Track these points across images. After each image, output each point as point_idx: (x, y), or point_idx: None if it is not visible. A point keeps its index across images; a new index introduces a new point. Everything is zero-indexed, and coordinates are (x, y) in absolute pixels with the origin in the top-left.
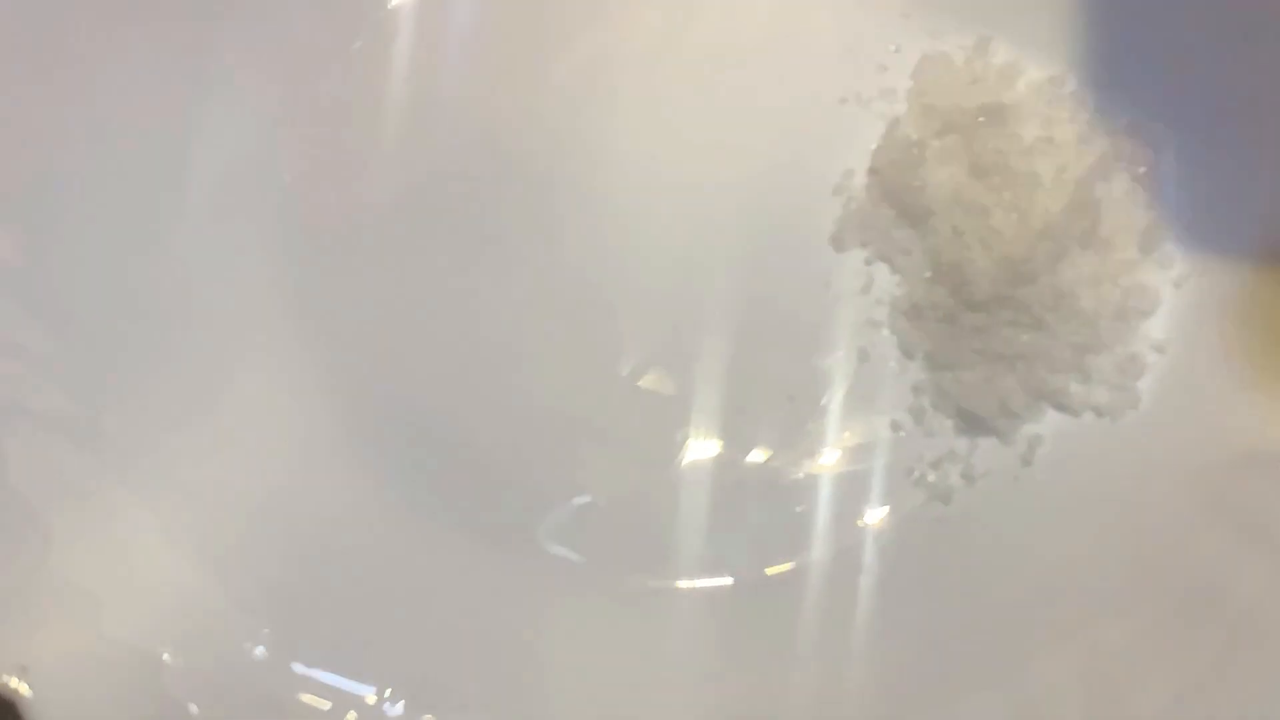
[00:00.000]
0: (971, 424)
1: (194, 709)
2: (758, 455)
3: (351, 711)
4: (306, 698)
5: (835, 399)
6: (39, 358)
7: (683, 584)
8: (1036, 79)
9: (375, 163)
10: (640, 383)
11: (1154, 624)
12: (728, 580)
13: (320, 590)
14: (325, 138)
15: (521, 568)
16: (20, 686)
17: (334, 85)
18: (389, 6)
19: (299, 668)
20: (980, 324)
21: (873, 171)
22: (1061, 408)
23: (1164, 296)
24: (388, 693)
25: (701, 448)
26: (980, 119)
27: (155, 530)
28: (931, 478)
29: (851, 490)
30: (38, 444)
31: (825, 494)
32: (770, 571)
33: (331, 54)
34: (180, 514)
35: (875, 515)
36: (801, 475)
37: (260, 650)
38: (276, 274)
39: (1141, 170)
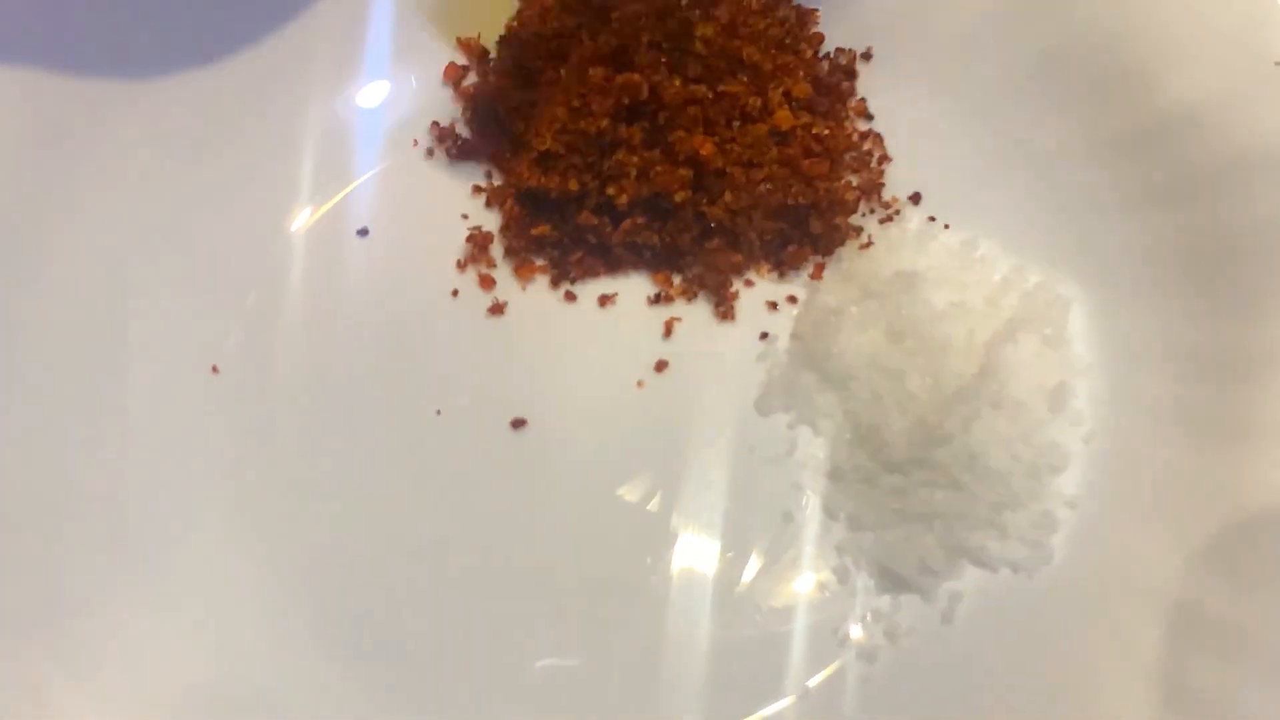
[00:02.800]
0: (894, 582)
1: None
2: (690, 620)
3: None
4: None
5: (761, 561)
6: None
7: None
8: (950, 243)
9: (295, 350)
10: (584, 544)
11: None
12: None
13: None
14: (248, 334)
15: None
16: None
17: (254, 288)
18: (292, 227)
19: None
20: (899, 485)
21: (794, 337)
22: (980, 564)
23: (1074, 453)
24: None
25: (632, 617)
26: (895, 286)
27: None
28: (857, 637)
29: (779, 651)
30: None
31: (754, 656)
32: None
33: (247, 272)
34: (124, 692)
35: (804, 676)
36: (733, 638)
37: None
38: (213, 452)
39: (1049, 331)
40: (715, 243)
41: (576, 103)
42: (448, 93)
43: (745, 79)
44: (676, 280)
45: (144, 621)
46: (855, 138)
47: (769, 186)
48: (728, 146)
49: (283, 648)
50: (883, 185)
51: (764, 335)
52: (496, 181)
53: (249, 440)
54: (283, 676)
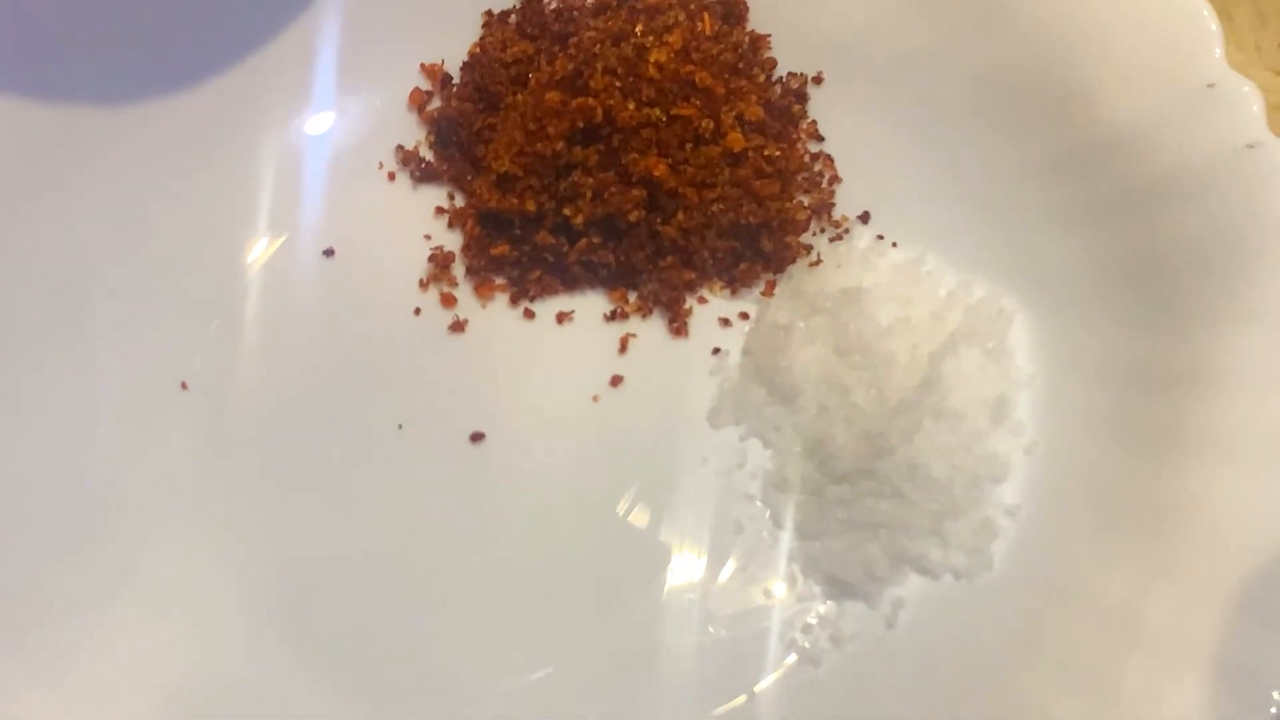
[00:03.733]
0: (839, 589)
1: None
2: (644, 627)
3: None
4: None
5: (713, 570)
6: None
7: None
8: (897, 260)
9: (262, 365)
10: (539, 559)
11: None
12: None
13: None
14: (216, 346)
15: None
16: None
17: (221, 305)
18: (260, 244)
19: None
20: (845, 495)
21: (745, 353)
22: (923, 571)
23: (1015, 464)
24: None
25: (587, 624)
26: (843, 302)
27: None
28: (804, 642)
29: (729, 656)
30: None
31: (705, 661)
32: None
33: (217, 282)
34: (93, 708)
35: (752, 679)
36: (681, 644)
37: None
38: (181, 466)
39: (991, 344)
40: (669, 261)
41: (533, 126)
42: (412, 117)
43: (698, 102)
44: (632, 297)
45: (110, 631)
46: (806, 159)
47: (721, 206)
48: (681, 168)
49: (251, 658)
50: (833, 205)
51: (716, 350)
52: (458, 203)
53: (218, 454)
54: (251, 686)
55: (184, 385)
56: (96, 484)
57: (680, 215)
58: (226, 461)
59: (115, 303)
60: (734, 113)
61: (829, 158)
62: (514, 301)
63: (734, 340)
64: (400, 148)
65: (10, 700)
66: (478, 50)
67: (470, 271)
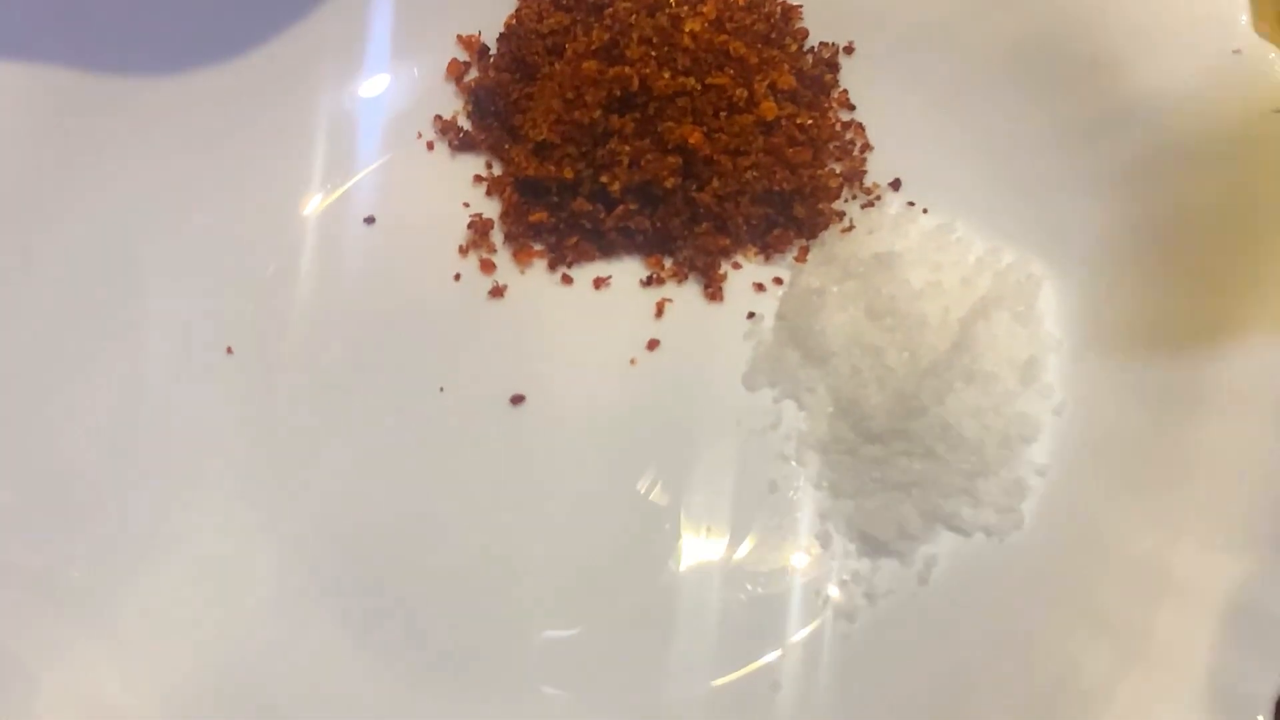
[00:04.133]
0: (873, 547)
1: None
2: (683, 584)
3: None
4: None
5: (749, 529)
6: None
7: (634, 699)
8: (927, 227)
9: (305, 331)
10: (579, 515)
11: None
12: (674, 693)
13: None
14: (261, 312)
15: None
16: None
17: (267, 272)
18: (303, 214)
19: None
20: (878, 455)
21: (779, 317)
22: (954, 529)
23: (1044, 424)
24: None
25: (627, 584)
26: (875, 267)
27: (118, 678)
28: (837, 597)
29: (766, 612)
30: (13, 599)
31: (743, 616)
32: (716, 683)
33: (258, 257)
34: (143, 663)
35: (788, 633)
36: (716, 599)
37: None
38: (226, 428)
39: (1020, 308)
40: (704, 227)
41: (571, 95)
42: (450, 87)
43: (732, 72)
44: (667, 263)
45: (154, 589)
46: (838, 127)
47: (755, 174)
48: (715, 136)
49: (292, 619)
50: (864, 172)
51: (751, 315)
52: (496, 171)
53: (262, 417)
54: (293, 648)
55: (229, 350)
56: (145, 444)
57: (715, 182)
58: (270, 424)
59: (164, 268)
60: (767, 82)
61: (860, 126)
62: (552, 267)
63: (768, 305)
64: (439, 117)
65: (58, 653)
66: (514, 22)
67: (509, 238)
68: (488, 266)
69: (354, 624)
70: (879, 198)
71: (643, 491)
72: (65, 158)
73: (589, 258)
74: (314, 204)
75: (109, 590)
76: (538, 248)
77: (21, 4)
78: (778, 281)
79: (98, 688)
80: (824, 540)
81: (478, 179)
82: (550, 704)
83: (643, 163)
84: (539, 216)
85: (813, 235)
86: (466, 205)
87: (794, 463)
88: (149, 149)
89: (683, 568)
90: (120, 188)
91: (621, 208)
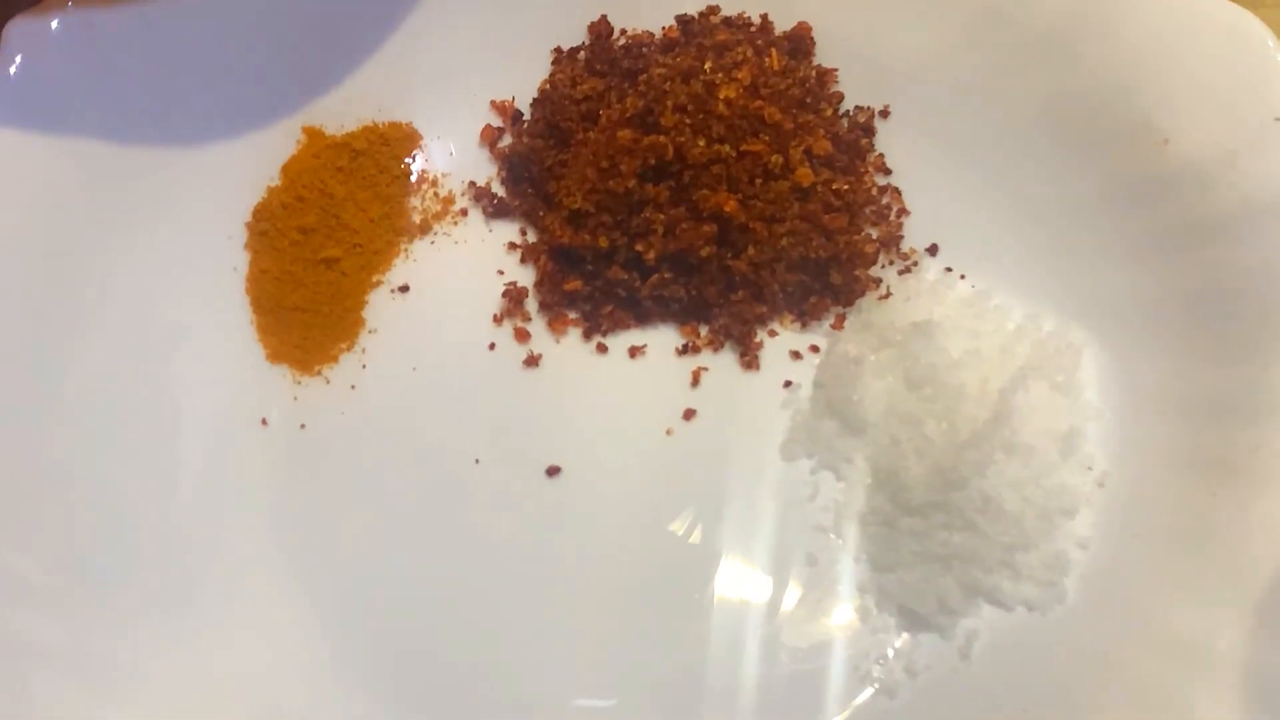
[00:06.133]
0: (913, 621)
1: None
2: (720, 660)
3: None
4: None
5: (787, 602)
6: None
7: None
8: (966, 293)
9: (339, 402)
10: (616, 590)
11: None
12: None
13: None
14: (294, 383)
15: None
16: None
17: None
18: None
19: None
20: (917, 527)
21: (816, 385)
22: (996, 603)
23: (1086, 496)
24: None
25: (663, 657)
26: (913, 335)
27: None
28: (878, 673)
29: (806, 688)
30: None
31: (782, 693)
32: None
33: None
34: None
35: (829, 711)
36: (755, 675)
37: None
38: (260, 499)
39: (1060, 378)
40: (740, 295)
41: (605, 163)
42: (484, 153)
43: (767, 138)
44: (703, 331)
45: (184, 648)
46: (874, 192)
47: (791, 240)
48: (751, 203)
49: (328, 686)
50: (901, 237)
51: (788, 383)
52: (531, 238)
53: (296, 486)
54: (317, 709)
55: (264, 421)
56: (180, 509)
57: (751, 250)
58: (303, 493)
59: (201, 336)
60: (802, 147)
61: (896, 190)
62: (587, 336)
63: (805, 373)
64: (472, 184)
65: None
66: (548, 87)
67: (543, 306)
68: (522, 335)
69: (386, 695)
70: (916, 263)
71: (680, 564)
72: (101, 226)
73: (624, 326)
74: None
75: (136, 662)
76: (573, 316)
77: (58, 77)
78: (814, 349)
79: None
80: (863, 614)
81: (512, 246)
82: None
83: (678, 231)
84: (574, 285)
85: (849, 302)
86: (501, 273)
87: (832, 534)
88: (187, 217)
89: (721, 641)
90: (158, 257)
91: (657, 276)
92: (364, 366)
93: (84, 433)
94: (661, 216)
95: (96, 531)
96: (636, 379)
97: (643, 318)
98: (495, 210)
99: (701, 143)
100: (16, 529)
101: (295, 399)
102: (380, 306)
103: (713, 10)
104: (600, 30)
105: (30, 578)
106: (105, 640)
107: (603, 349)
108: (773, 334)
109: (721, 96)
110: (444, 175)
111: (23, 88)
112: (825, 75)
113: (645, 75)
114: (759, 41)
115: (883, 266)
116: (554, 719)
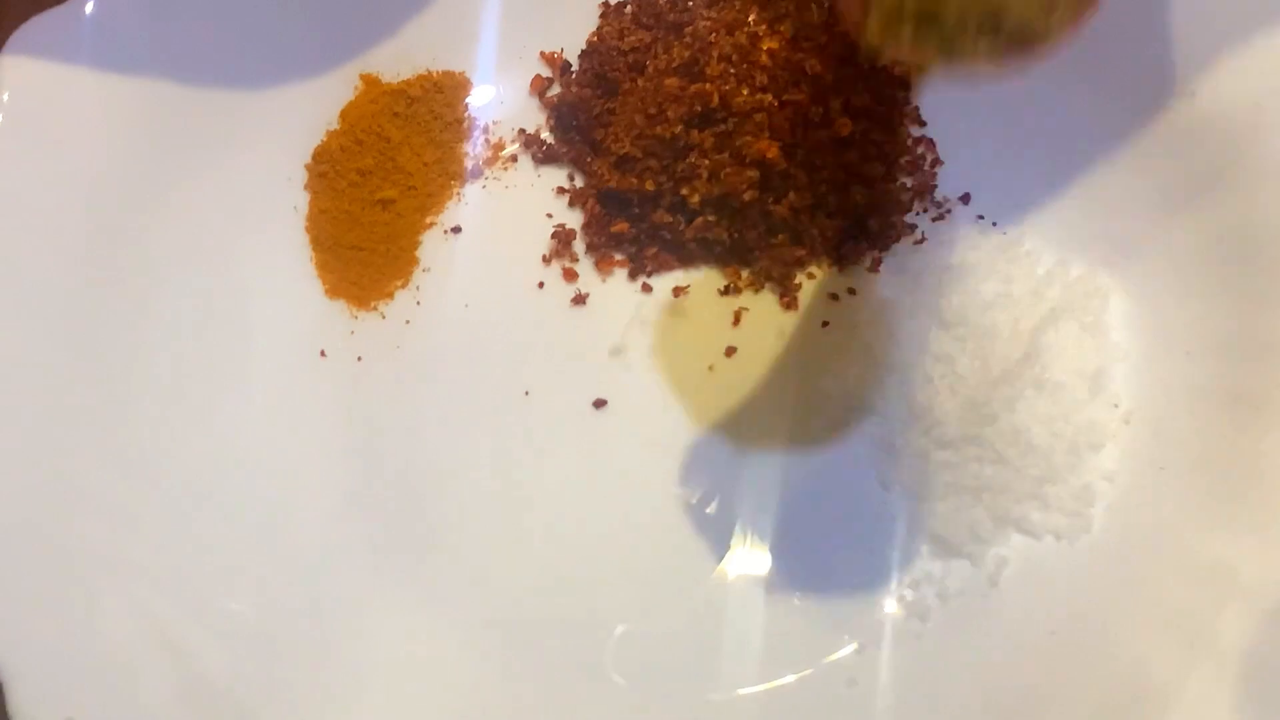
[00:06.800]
0: (945, 549)
1: None
2: (758, 578)
3: None
4: None
5: (826, 529)
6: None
7: (714, 697)
8: (997, 240)
9: (395, 338)
10: (659, 516)
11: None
12: (739, 693)
13: None
14: (351, 317)
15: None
16: None
17: None
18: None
19: None
20: (950, 460)
21: (853, 325)
22: (1024, 532)
23: (1112, 431)
24: None
25: (699, 577)
26: (946, 278)
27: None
28: (910, 598)
29: (841, 608)
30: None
31: (816, 612)
32: (795, 678)
33: None
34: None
35: (863, 629)
36: (792, 595)
37: None
38: (317, 431)
39: (1088, 319)
40: (780, 239)
41: (653, 110)
42: (534, 102)
43: (808, 89)
44: (744, 273)
45: (255, 578)
46: (909, 143)
47: (829, 187)
48: (792, 151)
49: (387, 610)
50: (935, 186)
51: (825, 324)
52: (578, 183)
53: (351, 420)
54: (386, 636)
55: (323, 353)
56: (246, 436)
57: (791, 195)
58: (359, 421)
59: (265, 274)
60: (842, 99)
61: (931, 141)
62: (632, 276)
63: (842, 314)
64: (522, 131)
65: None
66: (596, 39)
67: (590, 248)
68: (570, 275)
69: (446, 609)
70: (949, 211)
71: (721, 492)
72: (170, 166)
73: (668, 267)
74: None
75: (214, 570)
76: (619, 257)
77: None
78: (851, 292)
79: None
80: (898, 542)
81: (560, 191)
82: (619, 692)
83: (722, 176)
84: (620, 227)
85: (885, 247)
86: (550, 216)
87: (868, 466)
88: (249, 158)
89: (758, 567)
90: (223, 196)
91: (700, 219)
92: (418, 303)
93: (164, 360)
94: (706, 162)
95: (169, 457)
96: (680, 317)
97: (686, 259)
98: (544, 156)
99: (745, 91)
100: (97, 452)
101: (352, 333)
102: (434, 247)
103: None
104: None
105: (113, 500)
106: (174, 556)
107: (647, 289)
108: (811, 276)
109: (765, 48)
110: (495, 123)
111: (98, 26)
112: None
113: (691, 28)
114: None
115: (917, 214)
116: (591, 639)
